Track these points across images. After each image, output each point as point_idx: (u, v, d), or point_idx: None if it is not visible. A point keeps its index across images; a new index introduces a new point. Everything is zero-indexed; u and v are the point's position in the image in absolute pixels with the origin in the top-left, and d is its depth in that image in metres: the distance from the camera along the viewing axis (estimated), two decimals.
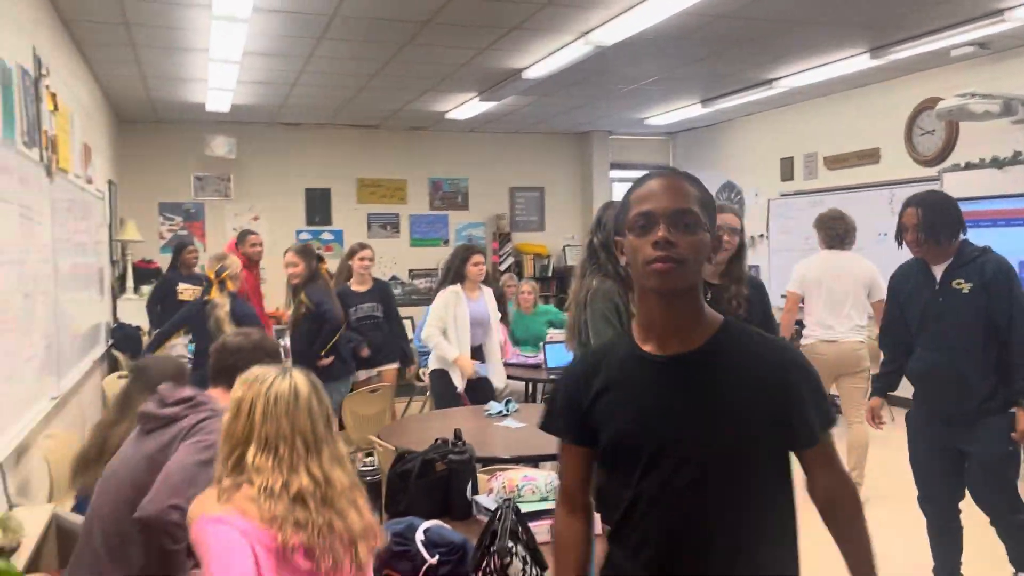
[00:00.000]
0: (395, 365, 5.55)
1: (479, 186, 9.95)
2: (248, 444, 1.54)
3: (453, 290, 4.74)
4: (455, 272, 4.80)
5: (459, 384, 4.61)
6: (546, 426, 1.51)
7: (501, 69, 6.40)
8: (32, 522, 2.60)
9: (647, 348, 1.40)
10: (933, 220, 3.03)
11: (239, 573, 1.41)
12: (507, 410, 3.85)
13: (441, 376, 4.71)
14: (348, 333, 5.10)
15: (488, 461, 2.84)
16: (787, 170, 8.45)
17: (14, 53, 3.59)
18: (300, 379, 1.63)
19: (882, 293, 4.90)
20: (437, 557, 1.88)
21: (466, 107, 7.91)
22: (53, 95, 4.35)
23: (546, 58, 6.00)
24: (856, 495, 1.43)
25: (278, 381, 1.60)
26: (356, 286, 5.40)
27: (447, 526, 2.07)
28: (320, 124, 8.99)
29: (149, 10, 4.77)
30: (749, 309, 2.87)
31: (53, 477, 3.44)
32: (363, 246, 5.49)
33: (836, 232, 4.74)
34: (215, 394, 2.26)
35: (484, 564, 1.75)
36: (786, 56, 6.24)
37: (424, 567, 1.86)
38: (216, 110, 7.73)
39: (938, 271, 3.07)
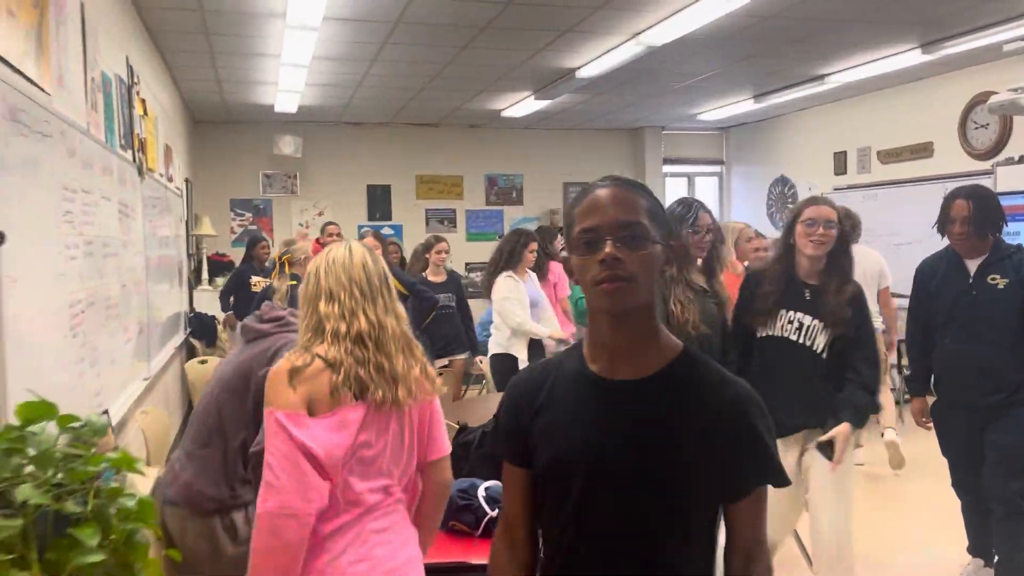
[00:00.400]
0: (465, 355, 5.78)
1: (533, 181, 10.20)
2: (318, 299, 1.84)
3: (510, 275, 4.97)
4: (514, 257, 5.02)
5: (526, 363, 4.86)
6: (492, 445, 1.44)
7: (555, 69, 6.63)
8: (140, 484, 2.94)
9: (595, 368, 1.30)
10: (985, 214, 3.11)
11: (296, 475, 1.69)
12: None
13: (504, 359, 4.95)
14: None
15: None
16: (840, 164, 8.49)
17: (112, 65, 3.97)
18: (356, 245, 1.94)
19: (888, 281, 5.03)
20: (496, 511, 2.14)
21: (521, 105, 8.16)
22: (143, 101, 4.75)
23: (598, 58, 6.21)
24: (770, 569, 1.33)
25: (336, 248, 1.91)
26: (432, 277, 5.65)
27: None
28: (381, 123, 9.35)
29: (228, 20, 5.13)
30: (842, 315, 2.74)
31: (149, 448, 3.82)
32: (439, 239, 5.75)
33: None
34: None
35: None
36: (837, 53, 6.32)
37: (485, 519, 2.12)
38: (284, 111, 8.14)
39: (972, 265, 3.16)
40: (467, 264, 9.93)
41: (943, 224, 3.23)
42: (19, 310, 2.18)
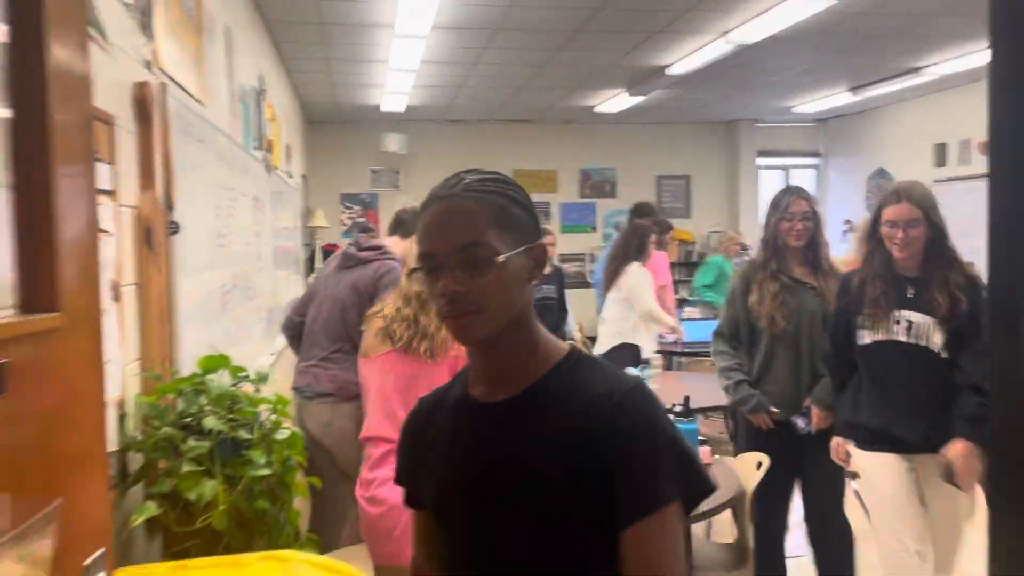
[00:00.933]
0: None
1: (627, 175, 10.43)
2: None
3: (640, 265, 5.15)
4: (643, 249, 5.19)
5: (649, 352, 5.13)
6: (398, 480, 1.29)
7: (646, 67, 6.87)
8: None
9: (476, 392, 1.17)
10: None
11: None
12: (642, 374, 4.40)
13: (625, 349, 5.13)
14: None
15: None
16: (940, 156, 8.37)
17: (247, 77, 4.51)
18: None
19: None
20: None
21: (614, 101, 8.42)
22: (270, 106, 5.31)
23: (689, 55, 6.42)
24: None
25: None
26: None
27: None
28: (481, 120, 9.79)
29: (342, 31, 5.64)
30: (954, 307, 2.44)
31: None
32: (547, 231, 6.09)
33: None
34: (390, 242, 3.34)
35: None
36: (931, 46, 6.32)
37: None
38: (391, 111, 8.68)
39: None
40: (561, 256, 10.26)
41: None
42: (189, 288, 2.67)
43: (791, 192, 2.96)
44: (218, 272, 3.24)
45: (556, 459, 1.05)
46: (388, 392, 2.13)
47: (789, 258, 2.90)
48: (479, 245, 1.06)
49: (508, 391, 1.12)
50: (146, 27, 2.35)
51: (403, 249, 3.04)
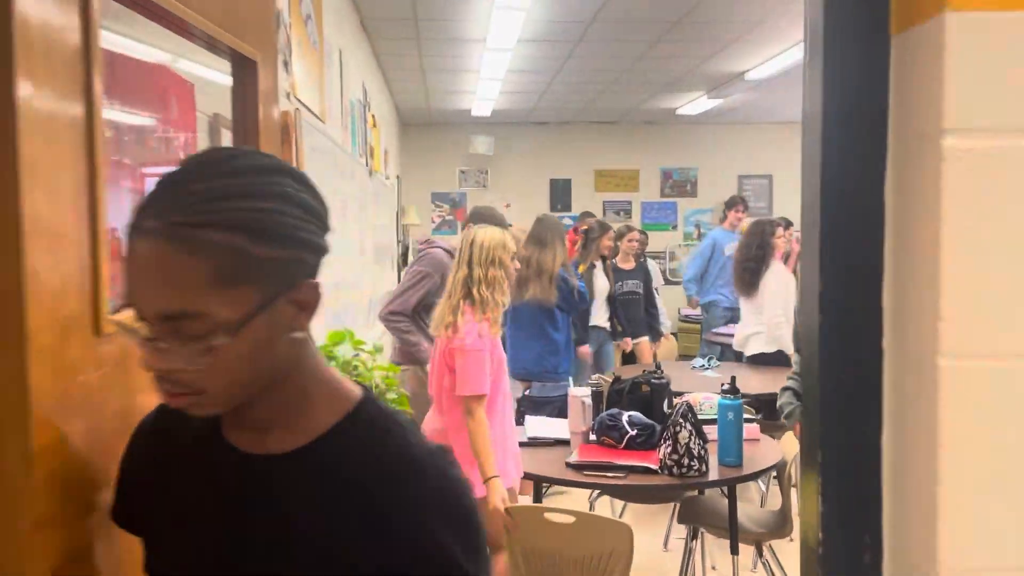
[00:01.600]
0: (645, 338, 6.20)
1: (707, 174, 10.66)
2: None
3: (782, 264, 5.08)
4: (771, 249, 5.12)
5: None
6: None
7: (725, 72, 7.15)
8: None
9: (232, 436, 0.90)
10: None
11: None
12: (709, 364, 4.75)
13: (774, 357, 5.04)
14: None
15: (680, 393, 3.80)
16: None
17: (356, 91, 5.07)
18: (487, 229, 2.77)
19: None
20: (636, 431, 2.90)
21: (694, 104, 8.70)
22: (372, 116, 5.88)
23: (767, 62, 6.68)
24: None
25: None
26: (622, 264, 6.26)
27: (645, 418, 3.07)
28: (564, 122, 10.21)
29: (438, 45, 6.17)
30: None
31: None
32: (631, 228, 6.43)
33: None
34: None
35: (664, 433, 2.74)
36: None
37: (626, 436, 2.89)
38: (480, 115, 9.20)
39: None
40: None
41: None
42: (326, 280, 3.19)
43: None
44: (337, 267, 3.78)
45: (341, 536, 0.83)
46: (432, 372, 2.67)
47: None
48: (189, 317, 0.76)
49: (276, 442, 0.87)
50: (287, 64, 2.87)
51: None
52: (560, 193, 10.53)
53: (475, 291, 2.55)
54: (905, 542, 0.75)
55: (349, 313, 4.42)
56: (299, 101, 3.05)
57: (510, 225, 4.00)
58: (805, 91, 0.84)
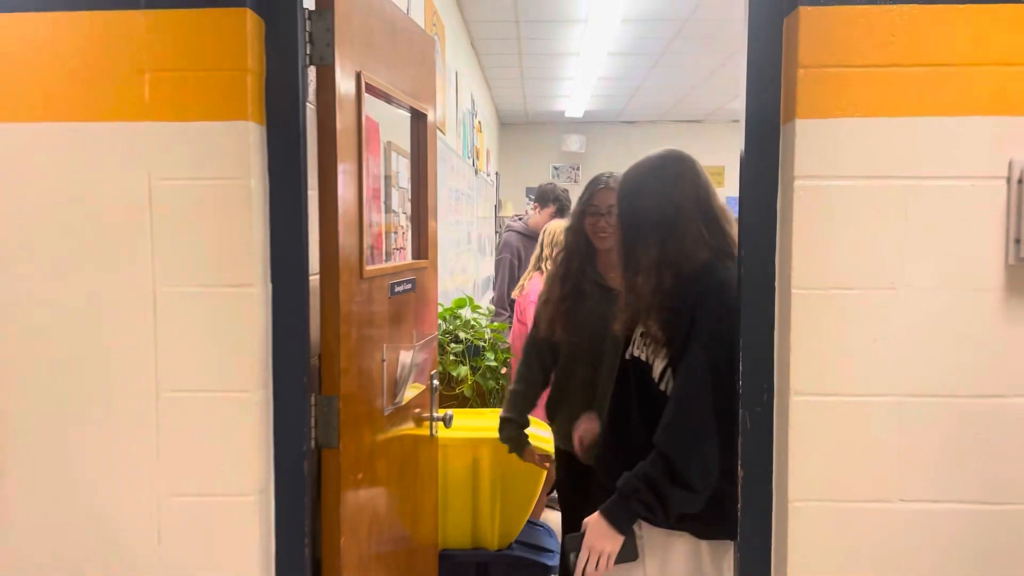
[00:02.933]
0: None
1: None
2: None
3: None
4: None
5: None
6: None
7: None
8: None
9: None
10: None
11: None
12: None
13: None
14: None
15: None
16: None
17: (466, 102, 5.92)
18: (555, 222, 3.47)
19: None
20: None
21: None
22: (479, 122, 6.73)
23: None
24: None
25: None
26: None
27: None
28: (653, 121, 10.84)
29: (537, 61, 6.96)
30: None
31: None
32: None
33: None
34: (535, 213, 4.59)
35: None
36: None
37: None
38: (572, 116, 9.95)
39: None
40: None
41: None
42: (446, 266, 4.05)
43: (594, 182, 2.41)
44: (451, 253, 4.63)
45: None
46: None
47: (596, 261, 2.40)
48: None
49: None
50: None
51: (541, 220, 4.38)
52: None
53: (543, 265, 3.27)
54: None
55: (461, 293, 5.27)
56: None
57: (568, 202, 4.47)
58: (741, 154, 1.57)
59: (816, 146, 1.43)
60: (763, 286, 1.51)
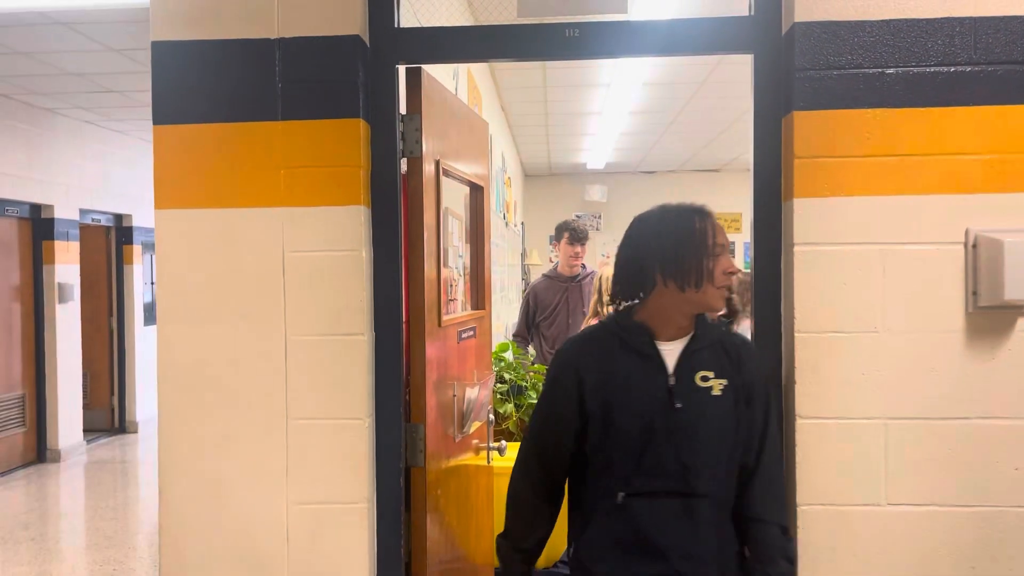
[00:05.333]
0: None
1: None
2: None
3: None
4: None
5: None
6: None
7: None
8: None
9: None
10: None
11: None
12: None
13: None
14: None
15: None
16: None
17: (497, 159, 6.37)
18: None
19: None
20: None
21: None
22: (508, 178, 7.18)
23: None
24: None
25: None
26: None
27: None
28: (671, 171, 11.28)
29: (561, 119, 7.43)
30: None
31: None
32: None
33: None
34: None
35: None
36: None
37: None
38: (594, 168, 10.43)
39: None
40: None
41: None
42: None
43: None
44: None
45: None
46: None
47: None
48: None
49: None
50: None
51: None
52: None
53: (602, 310, 3.61)
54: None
55: (497, 337, 5.65)
56: None
57: (585, 231, 4.74)
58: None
59: (811, 219, 1.80)
60: (771, 330, 1.88)
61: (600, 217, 11.57)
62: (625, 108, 6.85)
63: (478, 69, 5.05)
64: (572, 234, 4.74)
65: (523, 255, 10.25)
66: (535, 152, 9.51)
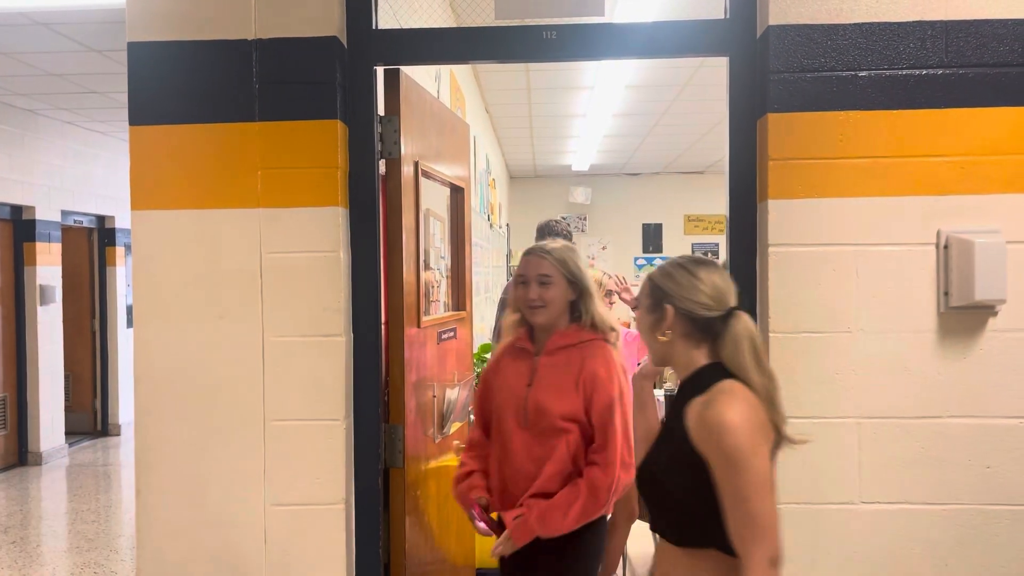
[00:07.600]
0: None
1: None
2: None
3: None
4: None
5: None
6: None
7: None
8: None
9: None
10: None
11: None
12: None
13: None
14: None
15: None
16: None
17: (482, 162, 6.37)
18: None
19: None
20: None
21: None
22: (493, 179, 7.18)
23: None
24: None
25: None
26: None
27: None
28: (655, 173, 11.32)
29: (545, 121, 7.45)
30: None
31: None
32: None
33: None
34: None
35: None
36: None
37: None
38: (579, 169, 10.44)
39: None
40: None
41: None
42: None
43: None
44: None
45: None
46: None
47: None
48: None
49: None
50: None
51: None
52: (651, 236, 11.60)
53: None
54: None
55: (481, 338, 5.65)
56: None
57: (570, 234, 4.20)
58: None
59: (784, 220, 1.82)
60: None
61: (585, 219, 11.60)
62: (608, 110, 6.87)
63: (461, 71, 5.06)
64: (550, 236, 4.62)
65: (508, 256, 10.26)
66: (520, 154, 9.52)
